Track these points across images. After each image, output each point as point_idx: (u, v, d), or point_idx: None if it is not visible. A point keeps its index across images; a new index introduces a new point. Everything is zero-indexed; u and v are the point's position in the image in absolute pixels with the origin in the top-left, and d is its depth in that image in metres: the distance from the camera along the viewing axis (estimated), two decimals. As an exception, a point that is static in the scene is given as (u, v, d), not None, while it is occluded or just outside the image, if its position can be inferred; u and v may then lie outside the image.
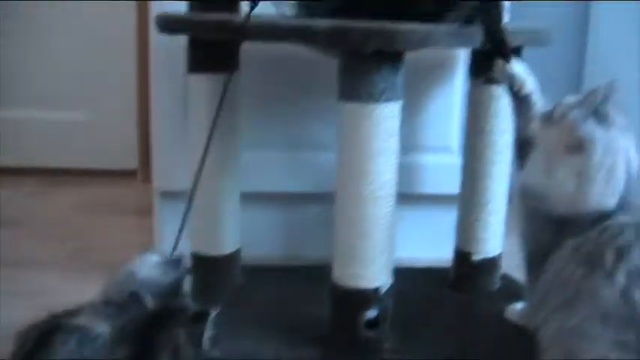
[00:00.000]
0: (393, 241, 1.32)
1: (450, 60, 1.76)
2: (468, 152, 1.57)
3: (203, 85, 1.48)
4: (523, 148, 1.27)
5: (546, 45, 1.51)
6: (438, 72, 1.77)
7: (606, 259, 1.01)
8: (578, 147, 1.10)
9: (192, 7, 1.49)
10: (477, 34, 1.27)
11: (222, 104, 1.35)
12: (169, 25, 1.45)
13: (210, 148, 1.48)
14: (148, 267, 1.08)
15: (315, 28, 1.22)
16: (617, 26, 2.30)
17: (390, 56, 1.22)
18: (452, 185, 1.62)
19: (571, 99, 1.17)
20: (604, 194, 1.09)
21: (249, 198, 1.62)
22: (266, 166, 1.75)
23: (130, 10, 2.32)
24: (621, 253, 1.01)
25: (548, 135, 1.16)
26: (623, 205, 1.09)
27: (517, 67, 1.29)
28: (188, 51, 1.49)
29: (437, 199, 1.80)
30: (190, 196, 1.34)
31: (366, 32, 1.18)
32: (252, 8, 1.32)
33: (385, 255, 1.31)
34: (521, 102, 1.29)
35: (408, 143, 1.73)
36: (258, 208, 1.75)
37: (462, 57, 1.73)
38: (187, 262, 1.28)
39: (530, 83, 1.29)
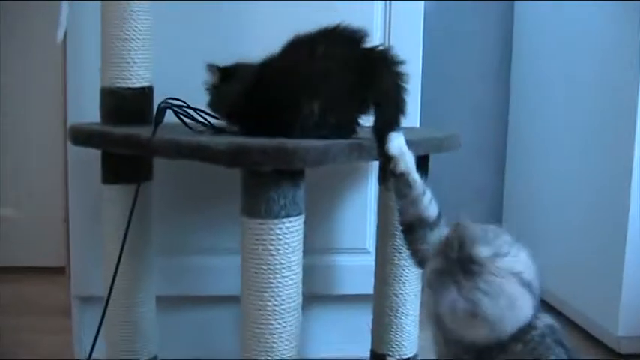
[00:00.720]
0: (297, 352, 1.33)
1: (363, 165, 1.80)
2: (380, 255, 1.60)
3: (116, 194, 1.50)
4: (410, 232, 1.28)
5: (454, 150, 1.56)
6: (353, 176, 1.81)
7: None
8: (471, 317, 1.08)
9: (103, 119, 1.52)
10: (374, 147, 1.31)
11: (132, 215, 1.38)
12: (80, 138, 1.48)
13: (125, 254, 1.50)
14: None
15: (215, 147, 1.25)
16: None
17: (289, 174, 1.26)
18: (368, 285, 1.64)
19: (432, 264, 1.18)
20: (515, 316, 1.09)
21: (165, 302, 1.62)
22: (181, 271, 1.76)
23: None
24: None
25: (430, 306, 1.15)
26: (537, 307, 1.11)
27: (395, 143, 1.27)
28: (102, 162, 1.52)
29: (354, 299, 1.83)
30: (105, 304, 1.35)
31: (263, 151, 1.22)
32: (156, 127, 1.35)
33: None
34: (398, 181, 1.28)
35: (325, 245, 1.77)
36: (175, 312, 1.76)
37: (375, 163, 1.77)
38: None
39: (407, 161, 1.27)
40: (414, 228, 1.29)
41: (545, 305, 2.21)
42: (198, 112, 1.46)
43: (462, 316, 1.08)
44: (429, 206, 1.30)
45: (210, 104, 1.46)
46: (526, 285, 1.12)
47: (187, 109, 1.46)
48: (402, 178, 1.27)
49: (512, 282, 1.10)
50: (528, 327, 1.09)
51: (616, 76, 1.92)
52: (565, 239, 2.20)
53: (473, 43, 2.71)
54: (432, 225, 1.29)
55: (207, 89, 1.46)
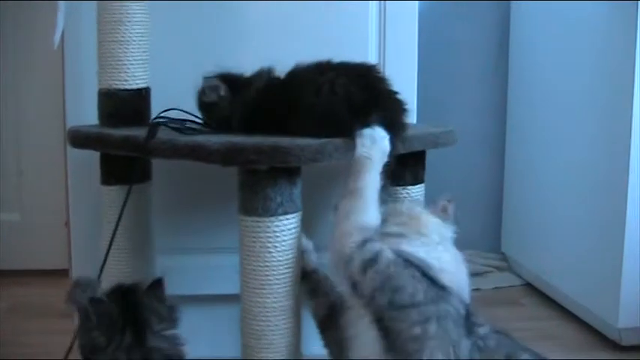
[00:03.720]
0: (298, 349, 1.34)
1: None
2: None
3: (115, 195, 1.52)
4: (328, 326, 1.34)
5: (450, 146, 1.56)
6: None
7: None
8: None
9: (101, 122, 1.53)
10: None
11: (122, 214, 1.42)
12: (78, 140, 1.49)
13: (126, 255, 1.52)
14: None
15: (211, 147, 1.26)
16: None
17: (285, 171, 1.27)
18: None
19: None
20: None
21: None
22: (182, 270, 1.77)
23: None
24: None
25: None
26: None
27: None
28: (100, 164, 1.53)
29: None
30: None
31: (259, 150, 1.23)
32: (154, 129, 1.36)
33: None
34: (309, 278, 1.35)
35: (323, 242, 1.77)
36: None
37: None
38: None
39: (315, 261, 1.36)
40: (329, 321, 1.34)
41: (545, 298, 2.24)
42: (192, 120, 1.47)
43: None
44: (340, 295, 1.32)
45: (223, 119, 1.46)
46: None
47: (181, 119, 1.46)
48: (312, 276, 1.36)
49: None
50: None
51: (612, 72, 1.93)
52: (564, 232, 2.21)
53: (470, 41, 2.72)
54: (342, 310, 1.31)
55: (205, 104, 1.47)
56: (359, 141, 1.26)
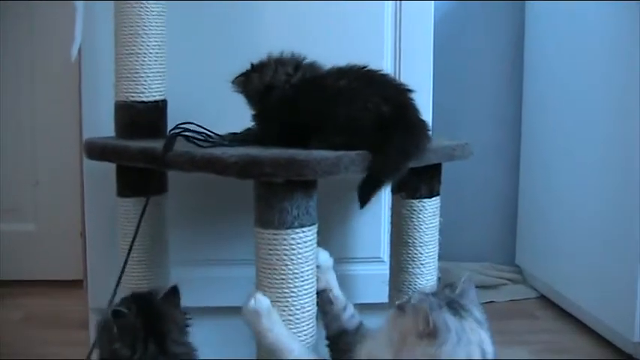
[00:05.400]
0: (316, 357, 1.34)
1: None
2: (394, 264, 1.61)
3: (131, 207, 1.52)
4: (335, 343, 1.36)
5: (465, 159, 1.56)
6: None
7: None
8: (431, 334, 1.09)
9: (118, 134, 1.54)
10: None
11: (139, 227, 1.43)
12: (95, 152, 1.50)
13: (141, 267, 1.52)
14: None
15: (228, 159, 1.26)
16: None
17: (301, 184, 1.27)
18: (383, 294, 1.65)
19: (427, 290, 1.23)
20: None
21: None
22: (198, 282, 1.77)
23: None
24: None
25: (400, 323, 1.16)
26: None
27: (320, 258, 1.35)
28: (116, 176, 1.54)
29: (369, 308, 1.82)
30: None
31: (275, 163, 1.23)
32: (171, 141, 1.37)
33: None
34: (319, 296, 1.35)
35: (339, 255, 1.77)
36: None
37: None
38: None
39: (329, 279, 1.37)
40: (338, 340, 1.37)
41: (560, 311, 2.23)
42: (209, 134, 1.46)
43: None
44: (351, 319, 1.39)
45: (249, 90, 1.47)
46: None
47: (197, 132, 1.45)
48: (323, 294, 1.36)
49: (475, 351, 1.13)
50: None
51: (630, 76, 1.91)
52: (579, 245, 2.20)
53: (484, 44, 2.72)
54: (354, 334, 1.37)
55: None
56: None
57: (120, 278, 1.42)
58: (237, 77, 1.48)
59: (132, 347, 1.26)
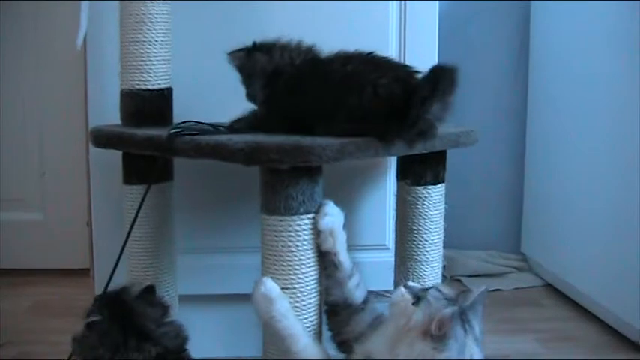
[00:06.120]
0: (321, 347, 1.35)
1: (382, 161, 1.82)
2: (400, 252, 1.61)
3: (136, 195, 1.53)
4: (333, 313, 1.33)
5: (470, 146, 1.56)
6: (371, 172, 1.83)
7: None
8: (437, 338, 1.12)
9: (124, 122, 1.55)
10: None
11: (138, 213, 1.44)
12: (101, 140, 1.51)
13: (148, 254, 1.53)
14: None
15: (234, 146, 1.27)
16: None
17: (306, 170, 1.27)
18: (389, 281, 1.65)
19: (444, 289, 1.22)
20: None
21: (188, 301, 1.66)
22: (204, 270, 1.78)
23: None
24: None
25: (411, 312, 1.18)
26: None
27: (327, 219, 1.29)
28: (122, 164, 1.54)
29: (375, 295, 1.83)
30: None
31: (281, 149, 1.23)
32: (176, 132, 1.37)
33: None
34: (324, 258, 1.31)
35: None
36: (197, 311, 1.78)
37: (393, 158, 1.78)
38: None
39: (336, 241, 1.29)
40: (338, 310, 1.33)
41: (565, 299, 2.23)
42: (210, 128, 1.46)
43: None
44: (356, 290, 1.33)
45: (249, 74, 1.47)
46: None
47: (199, 127, 1.45)
48: (327, 256, 1.30)
49: None
50: None
51: (635, 70, 1.91)
52: (584, 232, 2.20)
53: (490, 41, 2.72)
54: (357, 309, 1.32)
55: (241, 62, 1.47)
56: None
57: (116, 264, 1.44)
58: (236, 51, 1.46)
59: (114, 348, 1.29)
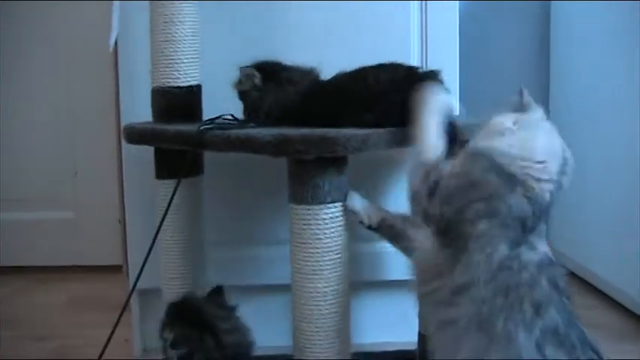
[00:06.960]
0: (347, 332, 1.39)
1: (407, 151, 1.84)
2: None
3: (168, 189, 1.57)
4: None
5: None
6: (396, 161, 1.85)
7: (525, 310, 1.08)
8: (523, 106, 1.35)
9: (155, 118, 1.60)
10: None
11: (169, 207, 1.50)
12: (134, 136, 1.56)
13: (178, 247, 1.58)
14: None
15: (262, 139, 1.31)
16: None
17: (332, 161, 1.32)
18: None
19: None
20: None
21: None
22: (233, 262, 1.83)
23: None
24: (538, 309, 1.08)
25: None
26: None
27: (353, 201, 1.38)
28: (155, 159, 1.59)
29: (400, 285, 1.86)
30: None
31: (307, 140, 1.28)
32: (207, 126, 1.42)
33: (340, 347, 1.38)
34: (377, 231, 1.40)
35: (370, 232, 1.81)
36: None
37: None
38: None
39: (372, 213, 1.39)
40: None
41: (589, 287, 2.24)
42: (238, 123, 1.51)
43: None
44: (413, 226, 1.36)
45: (253, 108, 1.52)
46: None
47: (228, 122, 1.51)
48: (382, 227, 1.39)
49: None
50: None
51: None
52: (607, 221, 2.22)
53: (510, 40, 2.74)
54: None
55: (244, 92, 1.53)
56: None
57: (147, 256, 1.49)
58: (244, 87, 1.54)
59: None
